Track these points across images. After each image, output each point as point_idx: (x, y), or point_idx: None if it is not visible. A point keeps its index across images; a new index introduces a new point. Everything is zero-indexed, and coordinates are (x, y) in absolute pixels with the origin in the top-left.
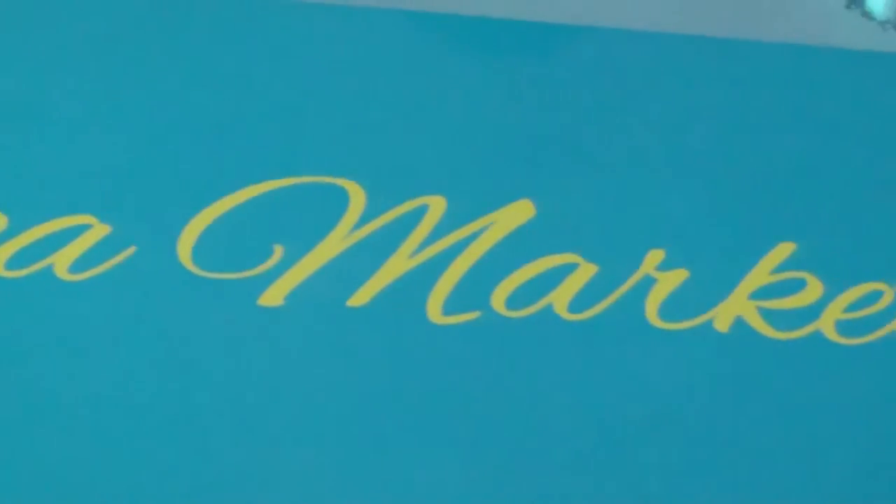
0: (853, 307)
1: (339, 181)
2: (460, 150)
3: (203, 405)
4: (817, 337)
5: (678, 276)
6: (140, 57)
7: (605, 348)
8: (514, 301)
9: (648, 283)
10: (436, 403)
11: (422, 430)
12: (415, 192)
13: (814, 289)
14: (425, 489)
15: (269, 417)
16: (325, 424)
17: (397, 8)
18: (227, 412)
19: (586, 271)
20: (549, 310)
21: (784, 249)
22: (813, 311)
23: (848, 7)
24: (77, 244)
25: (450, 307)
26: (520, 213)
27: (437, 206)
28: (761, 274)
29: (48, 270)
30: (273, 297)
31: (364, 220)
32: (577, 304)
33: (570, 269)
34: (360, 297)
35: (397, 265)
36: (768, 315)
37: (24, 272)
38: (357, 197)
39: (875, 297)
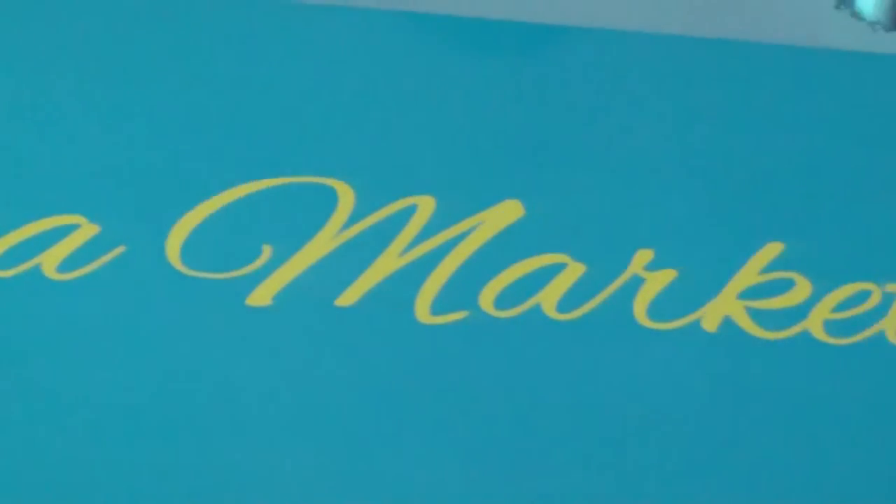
0: (841, 307)
1: (329, 181)
2: (449, 151)
3: (191, 404)
4: (805, 336)
5: (666, 276)
6: (129, 58)
7: (593, 348)
8: (502, 301)
9: (637, 282)
10: (424, 403)
11: (410, 428)
12: (404, 191)
13: (802, 289)
14: (414, 487)
15: (257, 416)
16: (314, 423)
17: (385, 9)
18: (215, 411)
19: (575, 271)
20: (537, 309)
21: (772, 249)
22: (801, 311)
23: (837, 8)
24: (66, 244)
25: (438, 307)
26: (508, 212)
27: (425, 205)
28: (750, 274)
29: (36, 270)
30: (261, 296)
31: (353, 219)
32: (566, 303)
33: (558, 268)
34: (349, 297)
35: (386, 265)
36: (756, 315)
37: (12, 272)
38: (346, 197)
39: (863, 297)
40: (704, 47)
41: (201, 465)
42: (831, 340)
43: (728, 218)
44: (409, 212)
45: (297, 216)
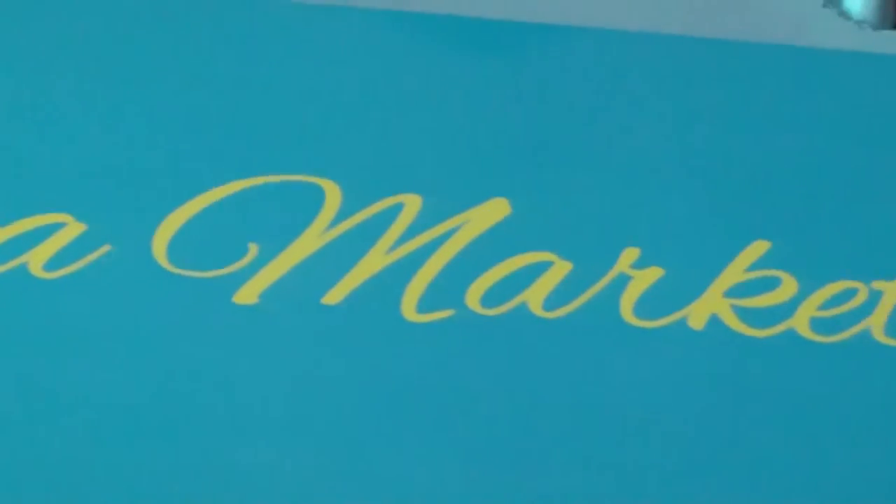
0: (827, 305)
1: (315, 179)
2: (436, 149)
3: (178, 402)
4: (791, 335)
5: (653, 274)
6: (116, 57)
7: (579, 346)
8: (488, 299)
9: (623, 280)
10: (410, 401)
11: (397, 426)
12: (390, 190)
13: (788, 286)
14: (399, 486)
15: (243, 415)
16: (301, 421)
17: (372, 7)
18: (202, 408)
19: (561, 269)
20: (523, 308)
21: (759, 247)
22: (787, 309)
23: (825, 6)
24: (52, 242)
25: (424, 305)
26: (495, 211)
27: (412, 204)
28: (736, 272)
29: (23, 268)
30: (247, 295)
31: (339, 218)
32: (552, 301)
33: (544, 266)
34: (335, 295)
35: (372, 263)
36: (743, 313)
37: None
38: (332, 195)
39: (849, 294)
40: (689, 45)
41: (186, 463)
42: (817, 338)
43: (715, 216)
44: (396, 210)
45: (284, 214)
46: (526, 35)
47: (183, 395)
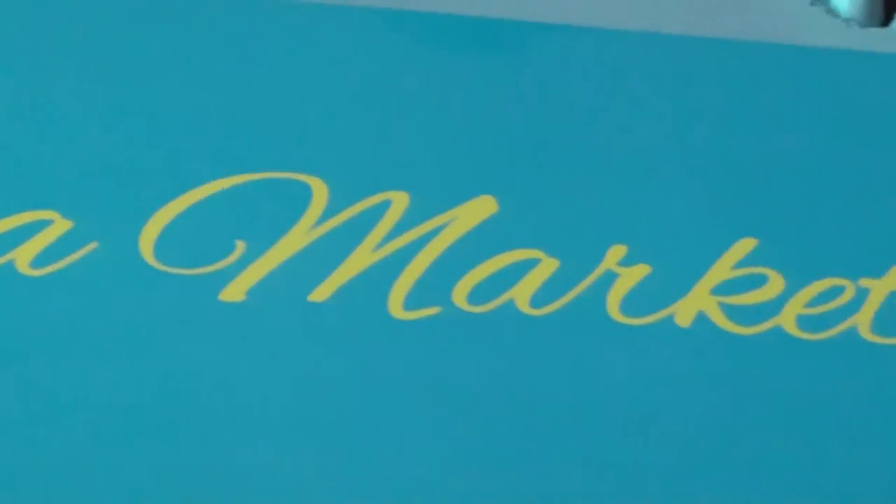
0: (814, 302)
1: (302, 177)
2: (423, 146)
3: (164, 400)
4: (778, 332)
5: (640, 272)
6: (102, 53)
7: (566, 344)
8: (475, 296)
9: (610, 278)
10: (397, 399)
11: (382, 425)
12: (377, 187)
13: (775, 284)
14: (386, 482)
15: (231, 412)
16: (288, 419)
17: (360, 5)
18: (188, 407)
19: (548, 266)
20: (510, 305)
21: (746, 245)
22: (774, 307)
23: (812, 4)
24: (39, 239)
25: (411, 302)
26: (482, 208)
27: (399, 201)
28: (723, 269)
29: (9, 266)
30: (234, 292)
31: (326, 215)
32: (539, 299)
33: (531, 264)
34: (322, 293)
35: (359, 260)
36: (730, 310)
37: None
38: (319, 192)
39: (836, 292)
40: (676, 44)
41: (171, 458)
42: (804, 336)
43: (702, 213)
44: (384, 207)
45: (271, 212)
46: (512, 33)
47: (170, 393)
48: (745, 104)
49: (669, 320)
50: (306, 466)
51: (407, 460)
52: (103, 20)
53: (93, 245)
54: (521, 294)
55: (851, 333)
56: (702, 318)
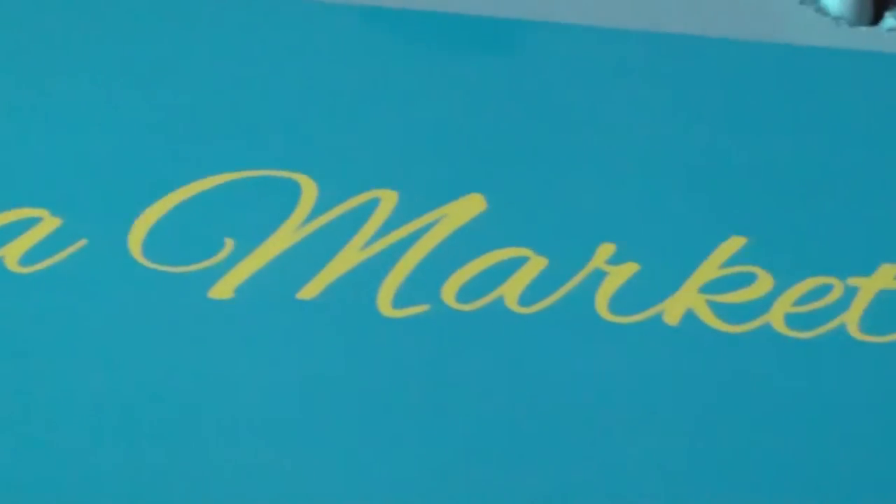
0: (803, 301)
1: (291, 175)
2: (412, 145)
3: (152, 396)
4: (767, 330)
5: (629, 270)
6: (92, 53)
7: (555, 342)
8: (464, 294)
9: (599, 276)
10: (385, 395)
11: (371, 420)
12: (367, 185)
13: (764, 282)
14: (373, 478)
15: (218, 408)
16: (274, 415)
17: (348, 4)
18: (176, 403)
19: (537, 265)
20: (499, 303)
21: (734, 243)
22: (763, 305)
23: (802, 3)
24: (28, 236)
25: (400, 300)
26: (471, 206)
27: (388, 199)
28: (711, 267)
29: None
30: (223, 289)
31: (316, 213)
32: (528, 297)
33: (520, 262)
34: (311, 290)
35: (348, 258)
36: (718, 308)
37: None
38: (309, 190)
39: (824, 290)
40: (664, 42)
41: (156, 453)
42: (793, 334)
43: (690, 212)
44: (372, 205)
45: (260, 209)
46: (500, 32)
47: (159, 389)
48: (734, 104)
49: (658, 318)
50: (295, 462)
51: (396, 456)
52: (93, 21)
53: (82, 242)
54: (510, 292)
55: (840, 331)
56: (690, 317)
